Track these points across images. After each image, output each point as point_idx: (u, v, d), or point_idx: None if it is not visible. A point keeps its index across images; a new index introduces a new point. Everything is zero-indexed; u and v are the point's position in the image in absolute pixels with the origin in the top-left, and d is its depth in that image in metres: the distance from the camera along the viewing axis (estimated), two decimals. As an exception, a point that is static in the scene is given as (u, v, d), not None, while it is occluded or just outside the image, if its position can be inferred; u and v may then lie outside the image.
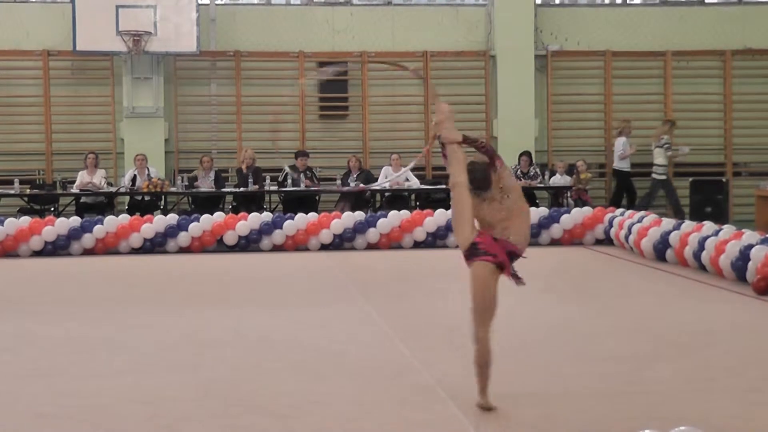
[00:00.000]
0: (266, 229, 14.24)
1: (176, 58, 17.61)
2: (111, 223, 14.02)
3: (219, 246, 14.36)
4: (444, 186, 16.65)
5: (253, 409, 5.51)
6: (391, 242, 14.40)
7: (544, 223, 14.58)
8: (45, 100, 17.69)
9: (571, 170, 16.86)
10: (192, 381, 6.20)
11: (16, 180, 15.62)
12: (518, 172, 16.48)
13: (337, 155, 17.89)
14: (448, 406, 5.55)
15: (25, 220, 13.94)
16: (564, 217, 14.62)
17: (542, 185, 16.56)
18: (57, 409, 5.54)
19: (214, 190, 15.91)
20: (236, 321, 8.42)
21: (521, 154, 16.90)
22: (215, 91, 18.15)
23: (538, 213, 14.56)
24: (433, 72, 18.06)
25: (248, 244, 14.30)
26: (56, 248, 13.84)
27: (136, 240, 14.07)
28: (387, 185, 15.98)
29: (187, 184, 15.88)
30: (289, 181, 15.86)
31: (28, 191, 15.93)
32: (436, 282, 10.89)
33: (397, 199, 16.55)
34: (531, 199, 16.34)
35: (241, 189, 15.95)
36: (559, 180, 16.62)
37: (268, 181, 15.85)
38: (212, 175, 16.09)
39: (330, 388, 6.02)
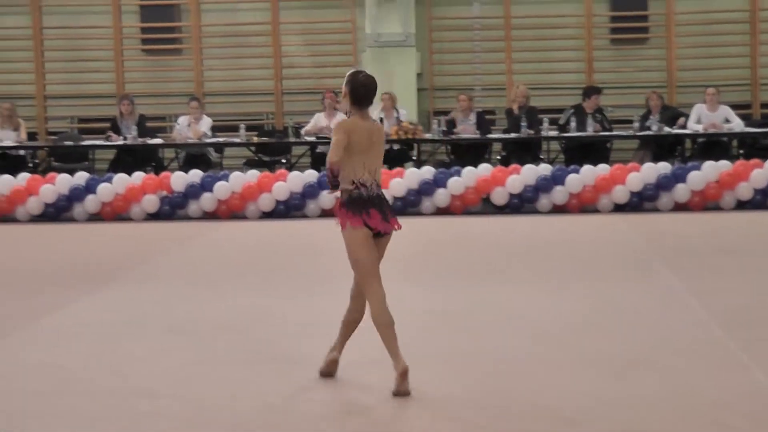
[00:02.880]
0: (544, 186, 14.30)
1: (430, -29, 17.96)
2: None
3: (485, 206, 14.52)
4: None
5: None
6: (705, 202, 14.12)
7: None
8: (273, 29, 18.42)
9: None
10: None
11: (242, 126, 16.30)
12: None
13: (632, 91, 17.58)
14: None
15: (253, 175, 14.58)
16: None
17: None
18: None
19: (477, 136, 15.99)
20: (511, 298, 8.50)
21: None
22: (479, 12, 18.29)
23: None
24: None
25: (521, 203, 14.40)
26: (288, 209, 14.44)
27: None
28: (700, 129, 15.58)
29: (444, 129, 16.02)
30: (573, 124, 15.73)
31: (255, 139, 16.64)
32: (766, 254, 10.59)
33: (714, 146, 16.10)
34: None
35: (512, 135, 15.95)
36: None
37: (545, 124, 15.74)
38: (473, 117, 16.15)
39: (632, 389, 5.99)
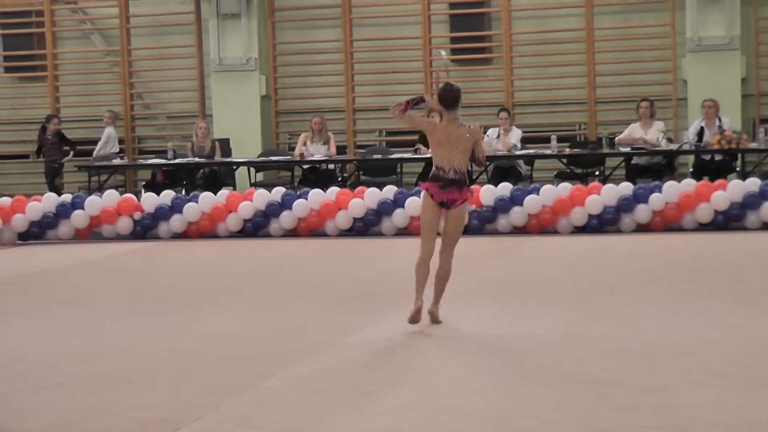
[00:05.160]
0: None
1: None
2: (670, 191, 14.11)
3: None
4: None
5: None
6: None
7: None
8: (587, 35, 18.38)
9: None
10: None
11: (553, 137, 16.23)
12: None
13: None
14: None
15: (565, 188, 14.45)
16: None
17: None
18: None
19: None
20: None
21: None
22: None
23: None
24: None
25: None
26: (602, 223, 14.26)
27: (703, 213, 14.04)
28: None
29: None
30: None
31: (566, 150, 16.54)
32: None
33: None
34: None
35: None
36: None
37: None
38: None
39: None
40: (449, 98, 8.16)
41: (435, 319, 8.31)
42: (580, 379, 6.59)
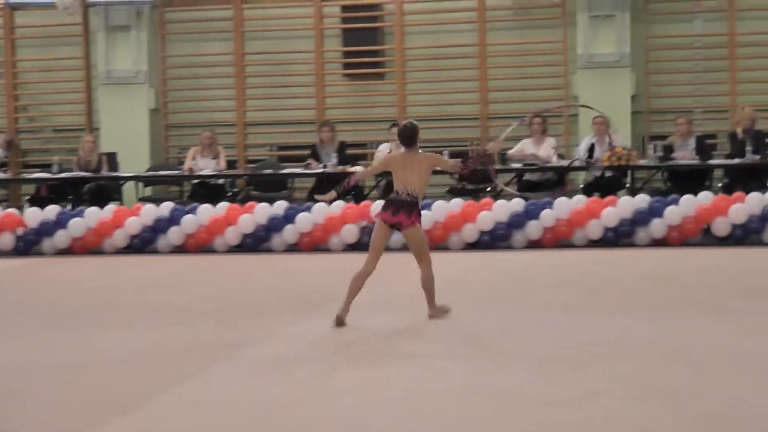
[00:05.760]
0: (772, 216, 13.92)
1: (648, -11, 17.72)
2: (561, 207, 14.26)
3: (705, 238, 14.23)
4: None
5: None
6: None
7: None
8: (480, 51, 18.46)
9: None
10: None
11: (445, 152, 16.13)
12: None
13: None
14: None
15: (456, 204, 14.39)
16: None
17: None
18: None
19: (697, 162, 15.55)
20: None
21: None
22: (701, 29, 17.89)
23: None
24: None
25: (745, 235, 14.04)
26: (494, 239, 14.28)
27: (594, 230, 14.20)
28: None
29: (661, 154, 15.64)
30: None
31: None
32: None
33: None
34: None
35: (736, 160, 15.49)
36: None
37: None
38: (693, 141, 15.76)
39: None
40: (407, 135, 9.15)
41: (435, 317, 9.18)
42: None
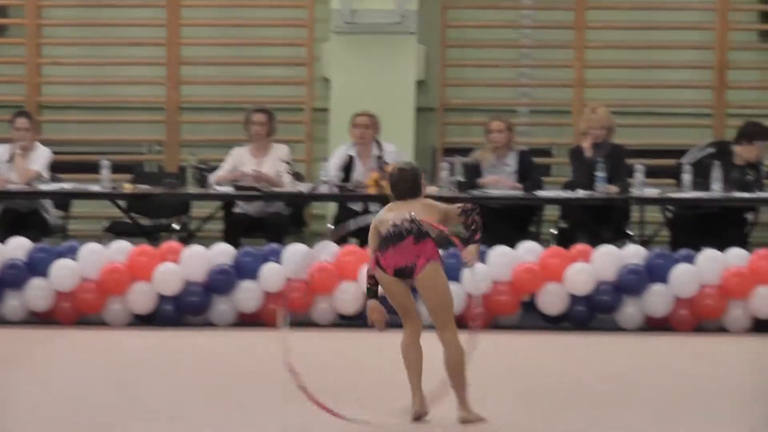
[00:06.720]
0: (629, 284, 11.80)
1: None
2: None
3: (525, 317, 12.08)
4: None
5: None
6: None
7: None
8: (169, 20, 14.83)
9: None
10: None
11: (105, 162, 13.19)
12: None
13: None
14: None
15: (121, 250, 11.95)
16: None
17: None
18: None
19: (519, 192, 13.59)
20: None
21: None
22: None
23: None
24: None
25: (589, 314, 11.81)
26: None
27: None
28: None
29: (461, 179, 13.19)
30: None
31: (130, 189, 13.55)
32: None
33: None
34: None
35: (580, 192, 13.39)
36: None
37: (639, 175, 13.20)
38: (513, 159, 13.65)
39: None
40: (399, 185, 7.67)
41: (469, 420, 7.26)
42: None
